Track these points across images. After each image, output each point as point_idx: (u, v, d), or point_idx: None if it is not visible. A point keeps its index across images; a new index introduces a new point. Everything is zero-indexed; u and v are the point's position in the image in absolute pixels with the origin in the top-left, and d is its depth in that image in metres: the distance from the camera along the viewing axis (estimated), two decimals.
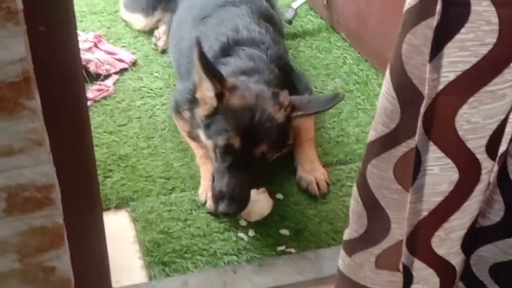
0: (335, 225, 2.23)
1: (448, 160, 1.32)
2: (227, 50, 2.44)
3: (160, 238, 2.15)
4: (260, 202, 2.23)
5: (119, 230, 2.20)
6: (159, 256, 2.09)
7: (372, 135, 1.45)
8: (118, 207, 2.29)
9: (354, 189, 1.56)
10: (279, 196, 2.34)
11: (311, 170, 2.40)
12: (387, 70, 1.38)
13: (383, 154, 1.43)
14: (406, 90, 1.33)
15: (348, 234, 1.62)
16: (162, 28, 3.08)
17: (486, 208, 1.48)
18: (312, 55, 3.06)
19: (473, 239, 1.49)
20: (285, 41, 2.98)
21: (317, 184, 2.36)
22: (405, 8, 1.30)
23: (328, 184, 2.38)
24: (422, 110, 1.27)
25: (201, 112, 2.26)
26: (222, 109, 2.20)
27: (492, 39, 1.20)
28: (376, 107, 2.66)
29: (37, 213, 1.54)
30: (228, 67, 2.37)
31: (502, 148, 1.42)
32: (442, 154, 1.31)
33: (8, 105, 1.32)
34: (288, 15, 3.16)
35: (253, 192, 2.23)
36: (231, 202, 2.13)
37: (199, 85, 2.23)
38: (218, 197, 2.15)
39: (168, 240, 2.14)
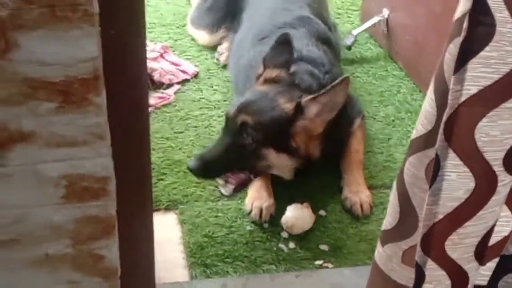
0: (373, 245, 2.27)
1: (466, 168, 1.38)
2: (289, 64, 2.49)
3: (204, 242, 2.25)
4: (302, 216, 2.31)
5: (166, 231, 2.31)
6: (202, 258, 2.19)
7: (413, 134, 1.52)
8: (167, 208, 2.41)
9: (394, 183, 1.63)
10: (322, 212, 2.42)
11: (357, 192, 2.47)
12: (432, 77, 1.45)
13: (419, 153, 1.49)
14: (442, 97, 1.38)
15: (385, 224, 1.70)
16: (225, 45, 3.20)
17: None
18: (368, 82, 3.13)
19: (503, 265, 1.55)
20: (342, 66, 3.07)
21: (361, 205, 2.43)
22: (454, 18, 1.37)
23: (371, 207, 2.45)
24: (444, 118, 1.34)
25: None
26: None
27: None
28: None
29: (93, 202, 1.63)
30: None
31: None
32: (460, 162, 1.37)
33: (77, 99, 1.43)
34: (348, 41, 3.24)
35: (297, 206, 2.32)
36: (198, 160, 2.28)
37: None
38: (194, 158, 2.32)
39: (211, 244, 2.25)
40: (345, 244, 2.30)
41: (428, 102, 1.44)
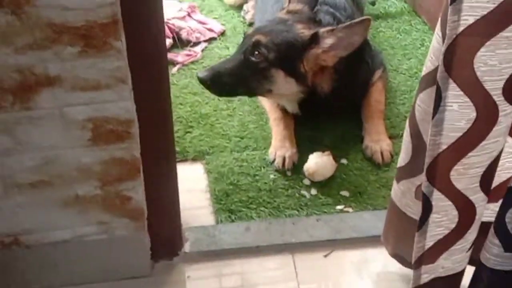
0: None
1: (467, 99, 1.41)
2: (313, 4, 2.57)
3: (229, 189, 2.34)
4: (324, 164, 2.38)
5: (193, 180, 2.40)
6: (227, 205, 2.28)
7: (423, 70, 1.56)
8: (194, 159, 2.49)
9: (407, 120, 1.68)
10: (343, 161, 2.48)
11: (378, 141, 2.52)
12: (440, 14, 1.47)
13: (428, 89, 1.53)
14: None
15: (399, 161, 1.77)
16: (251, 3, 3.26)
17: None
18: (392, 36, 3.17)
19: (510, 197, 1.59)
20: None
21: (382, 154, 2.49)
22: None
23: (392, 155, 2.50)
24: (443, 48, 1.38)
25: None
26: None
27: None
28: None
29: (118, 145, 1.73)
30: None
31: None
32: (461, 92, 1.41)
33: (98, 44, 1.52)
34: None
35: (318, 155, 2.39)
36: (207, 71, 2.38)
37: None
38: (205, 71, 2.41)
39: (236, 191, 2.33)
40: (365, 190, 2.37)
41: (436, 38, 1.48)
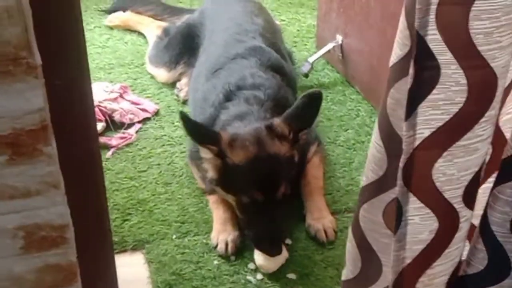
0: (340, 271, 2.26)
1: (428, 210, 1.41)
2: (229, 96, 2.56)
3: (172, 280, 2.25)
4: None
5: (134, 271, 2.31)
6: None
7: (363, 181, 1.54)
8: (134, 248, 2.41)
9: (350, 231, 1.64)
10: (288, 241, 2.43)
11: (320, 218, 2.48)
12: (376, 120, 1.47)
13: (373, 199, 1.51)
14: (392, 141, 1.41)
15: (345, 274, 1.71)
16: (184, 80, 3.23)
17: (471, 256, 1.56)
18: (327, 107, 3.17)
19: (460, 286, 1.57)
20: (301, 93, 3.09)
21: (325, 231, 2.45)
22: (389, 65, 1.40)
23: (335, 232, 2.46)
24: (401, 164, 1.37)
25: (210, 173, 2.35)
26: (230, 166, 2.27)
27: (461, 98, 1.31)
28: None
29: (52, 251, 1.63)
30: (225, 112, 2.50)
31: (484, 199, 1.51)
32: (422, 205, 1.40)
33: (27, 151, 1.44)
34: (305, 68, 3.28)
35: None
36: (276, 243, 2.26)
37: (199, 148, 2.33)
38: (262, 243, 2.27)
39: (179, 282, 2.25)
40: (312, 271, 2.31)
41: (376, 148, 1.46)
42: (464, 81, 1.29)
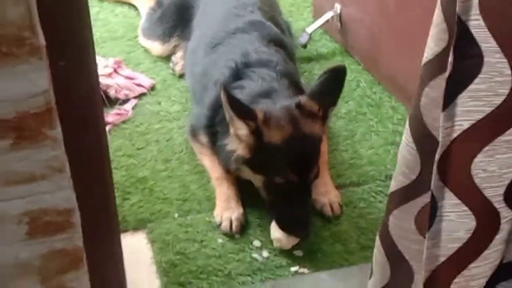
0: (347, 246, 2.28)
1: (465, 207, 1.33)
2: (237, 74, 2.49)
3: (176, 259, 2.21)
4: None
5: (136, 252, 2.26)
6: (176, 277, 2.15)
7: (393, 186, 1.45)
8: (136, 228, 2.36)
9: (377, 239, 1.56)
10: None
11: (325, 193, 2.44)
12: (406, 122, 1.38)
13: (404, 205, 1.43)
14: (426, 142, 1.34)
15: (372, 284, 1.62)
16: (179, 54, 3.15)
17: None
18: None
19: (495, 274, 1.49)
20: (300, 64, 3.05)
21: (331, 206, 2.41)
22: (422, 62, 1.31)
23: (341, 206, 2.43)
24: (437, 157, 1.29)
25: (240, 151, 2.27)
26: (266, 145, 2.21)
27: (505, 90, 1.23)
28: (389, 129, 2.73)
29: (58, 236, 1.60)
30: (245, 91, 2.42)
31: None
32: (459, 201, 1.33)
33: (31, 134, 1.39)
34: (303, 39, 3.22)
35: None
36: (306, 226, 2.21)
37: (231, 124, 2.24)
38: (292, 225, 2.21)
39: (184, 261, 2.20)
40: (319, 247, 2.27)
41: (407, 150, 1.37)
42: (508, 71, 1.22)
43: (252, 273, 2.17)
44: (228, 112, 2.20)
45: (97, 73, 1.45)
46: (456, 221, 1.35)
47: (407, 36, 2.76)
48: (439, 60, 1.26)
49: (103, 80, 2.94)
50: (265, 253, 2.25)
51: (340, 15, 3.23)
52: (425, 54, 1.29)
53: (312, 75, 3.14)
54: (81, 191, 1.58)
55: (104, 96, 2.91)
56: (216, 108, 2.43)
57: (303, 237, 2.22)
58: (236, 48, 2.62)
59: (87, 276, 1.72)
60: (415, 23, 2.58)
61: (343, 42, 3.29)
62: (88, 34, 1.38)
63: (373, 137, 2.76)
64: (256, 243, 2.29)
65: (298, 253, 2.25)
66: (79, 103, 1.46)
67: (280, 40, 2.78)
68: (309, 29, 3.25)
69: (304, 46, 3.23)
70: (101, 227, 1.73)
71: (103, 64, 3.03)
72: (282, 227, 2.22)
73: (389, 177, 2.55)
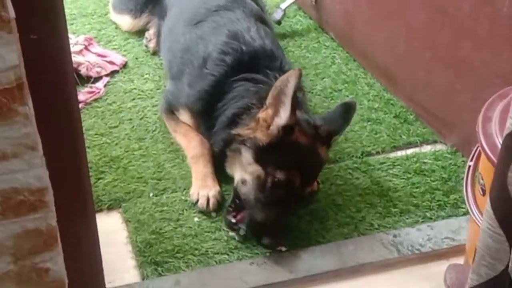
0: (324, 223, 2.26)
1: None
2: (245, 65, 2.44)
3: (152, 239, 2.18)
4: None
5: (111, 231, 2.23)
6: (152, 256, 2.12)
7: (472, 279, 1.29)
8: (110, 208, 2.32)
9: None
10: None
11: None
12: (487, 203, 1.21)
13: None
14: None
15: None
16: (152, 30, 3.11)
17: None
18: (301, 55, 3.09)
19: None
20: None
21: None
22: (505, 132, 1.16)
23: (318, 183, 2.41)
24: None
25: (258, 134, 2.21)
26: (286, 142, 2.18)
27: None
28: (364, 106, 2.72)
29: (31, 215, 1.56)
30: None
31: None
32: None
33: (1, 111, 1.34)
34: (277, 15, 3.19)
35: None
36: (276, 236, 2.16)
37: (272, 109, 2.18)
38: (262, 228, 2.15)
39: (160, 240, 2.17)
40: (296, 225, 2.25)
41: (491, 237, 1.21)
42: None
43: (229, 252, 2.15)
44: (283, 97, 2.13)
45: (69, 47, 1.40)
46: None
47: (381, 11, 2.74)
48: None
49: (74, 58, 2.88)
50: (242, 232, 2.22)
51: None
52: (507, 125, 1.15)
53: (287, 52, 3.11)
54: (54, 169, 1.54)
55: (75, 74, 2.85)
56: (213, 83, 2.42)
57: (265, 245, 2.16)
58: (223, 27, 2.57)
59: (62, 256, 1.68)
60: None
61: (317, 18, 3.26)
62: (59, 6, 1.33)
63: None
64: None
65: None
66: (52, 78, 1.42)
67: (262, 17, 2.76)
68: (283, 5, 3.22)
69: (278, 22, 3.20)
70: (75, 206, 1.70)
71: (74, 41, 2.99)
72: (251, 228, 2.16)
73: (365, 154, 2.55)
